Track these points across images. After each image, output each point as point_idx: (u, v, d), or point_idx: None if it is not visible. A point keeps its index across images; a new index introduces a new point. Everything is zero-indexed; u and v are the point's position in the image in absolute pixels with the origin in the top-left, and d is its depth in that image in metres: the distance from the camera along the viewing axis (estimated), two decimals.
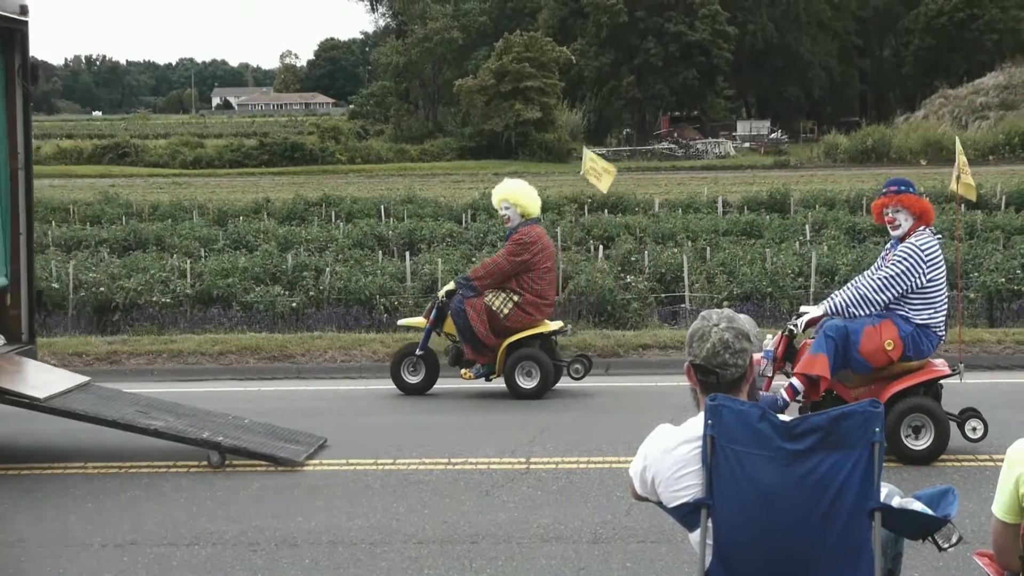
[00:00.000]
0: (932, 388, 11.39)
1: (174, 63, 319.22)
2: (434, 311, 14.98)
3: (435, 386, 15.08)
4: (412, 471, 11.31)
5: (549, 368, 14.71)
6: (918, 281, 10.91)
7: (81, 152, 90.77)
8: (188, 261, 23.95)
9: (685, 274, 21.45)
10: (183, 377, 16.63)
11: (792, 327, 11.28)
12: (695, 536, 4.98)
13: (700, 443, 4.90)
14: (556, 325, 15.23)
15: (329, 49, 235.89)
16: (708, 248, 25.14)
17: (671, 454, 5.04)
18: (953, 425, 11.27)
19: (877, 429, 4.76)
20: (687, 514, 5.01)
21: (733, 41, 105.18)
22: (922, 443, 11.18)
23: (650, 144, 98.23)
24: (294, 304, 20.97)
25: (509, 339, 14.66)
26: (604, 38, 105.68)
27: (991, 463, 10.86)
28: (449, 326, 14.87)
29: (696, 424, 4.99)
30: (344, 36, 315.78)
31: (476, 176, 74.37)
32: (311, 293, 21.32)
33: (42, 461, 11.88)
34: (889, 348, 10.86)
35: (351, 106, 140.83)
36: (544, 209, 36.47)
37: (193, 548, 9.22)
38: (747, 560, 4.87)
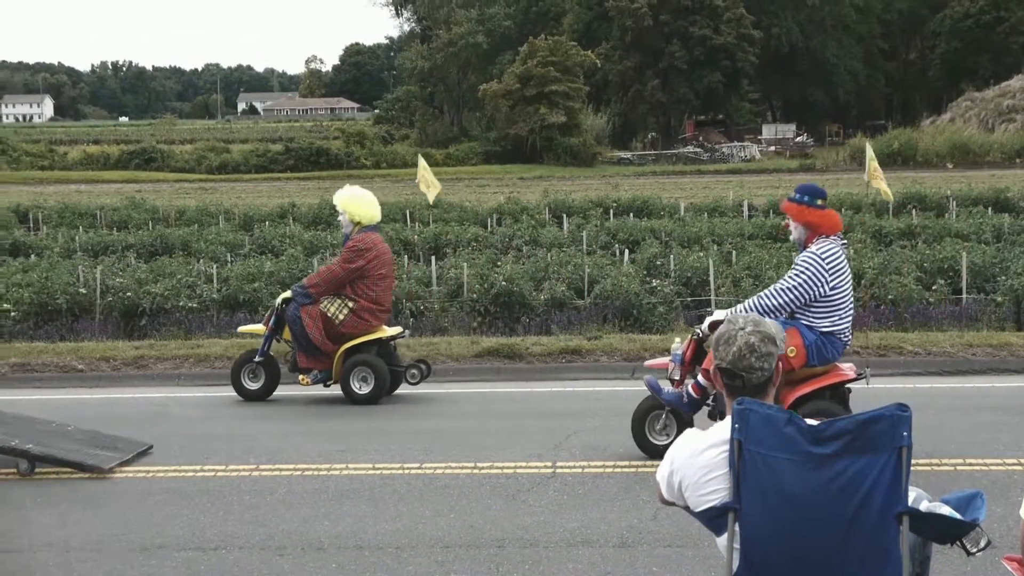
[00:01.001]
0: (838, 392, 11.45)
1: (200, 68, 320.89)
2: (273, 318, 15.23)
3: (448, 390, 15.11)
4: (438, 475, 11.31)
5: (384, 373, 14.86)
6: (821, 290, 11.01)
7: (108, 157, 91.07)
8: (215, 266, 23.98)
9: (711, 277, 21.39)
10: (210, 381, 16.62)
11: (699, 331, 11.35)
12: (722, 540, 4.98)
13: (727, 447, 4.90)
14: (394, 331, 15.47)
15: (354, 54, 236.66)
16: (734, 252, 25.06)
17: (698, 458, 5.04)
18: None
19: (905, 433, 4.75)
20: (714, 518, 5.00)
21: (758, 45, 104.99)
22: None
23: (675, 148, 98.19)
24: None
25: (345, 345, 14.87)
26: (629, 42, 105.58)
27: (1019, 467, 10.82)
28: (288, 332, 15.10)
29: (723, 428, 4.99)
30: (369, 41, 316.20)
31: (501, 180, 74.40)
32: None
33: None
34: (792, 355, 10.92)
35: (376, 111, 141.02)
36: (570, 213, 36.76)
37: (220, 552, 9.23)
38: (774, 564, 4.86)
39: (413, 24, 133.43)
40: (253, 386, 15.34)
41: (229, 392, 15.42)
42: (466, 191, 59.78)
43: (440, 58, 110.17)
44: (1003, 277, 20.81)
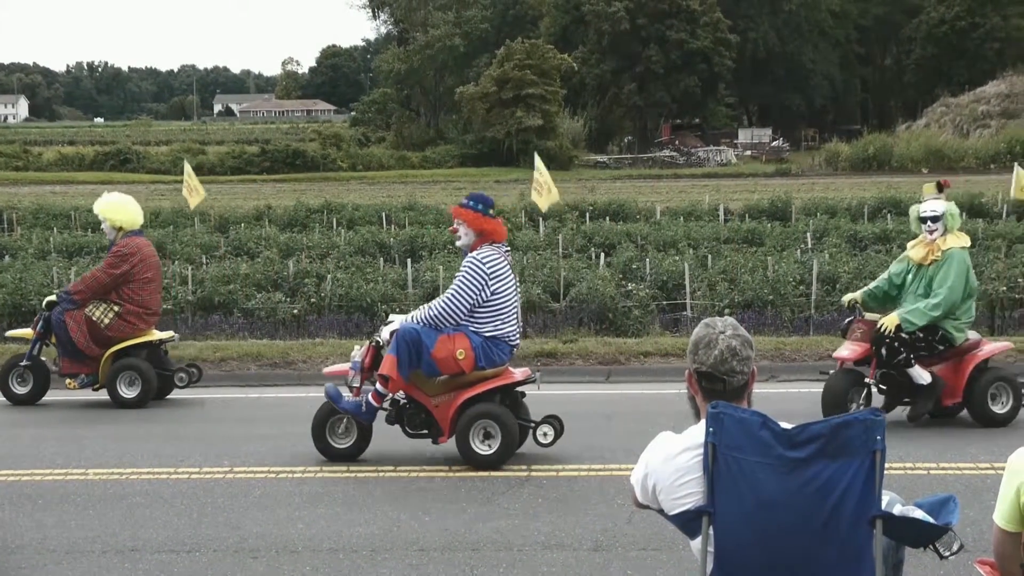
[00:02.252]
0: (510, 395, 11.85)
1: (176, 70, 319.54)
2: (40, 322, 15.21)
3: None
4: (413, 479, 11.31)
5: (151, 377, 14.89)
6: (482, 295, 11.29)
7: (83, 159, 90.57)
8: (190, 268, 23.90)
9: (687, 281, 21.42)
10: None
11: (378, 338, 11.57)
12: (696, 543, 4.99)
13: (701, 451, 4.91)
14: (165, 335, 15.59)
15: (331, 56, 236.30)
16: (709, 256, 25.09)
17: (672, 462, 5.06)
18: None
19: (879, 437, 4.78)
20: (688, 522, 5.02)
21: (735, 49, 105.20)
22: (490, 448, 11.55)
23: (651, 152, 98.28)
24: (295, 311, 20.99)
25: (112, 349, 14.88)
26: (605, 46, 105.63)
27: (992, 471, 10.85)
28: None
29: (697, 432, 5.00)
30: (346, 43, 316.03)
31: (478, 183, 74.17)
32: (312, 300, 21.29)
33: (43, 467, 11.85)
34: (461, 358, 11.25)
35: (352, 113, 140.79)
36: (546, 216, 36.71)
37: (194, 555, 9.21)
38: (748, 568, 4.88)
39: (390, 26, 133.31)
40: (21, 390, 15.28)
41: (194, 394, 15.40)
42: (442, 194, 59.65)
43: (417, 60, 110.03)
44: (977, 282, 20.87)
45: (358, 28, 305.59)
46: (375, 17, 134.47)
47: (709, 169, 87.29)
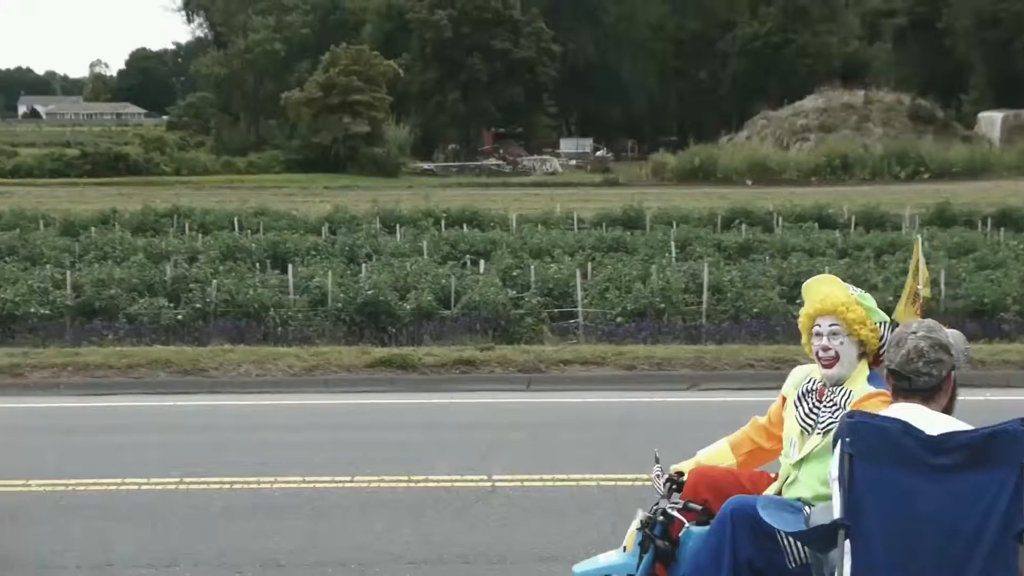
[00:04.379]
0: None
1: None
2: None
3: (345, 401, 14.88)
4: (374, 489, 11.01)
5: None
6: None
7: None
8: (67, 272, 23.15)
9: (578, 289, 21.41)
10: (91, 391, 15.97)
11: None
12: (832, 555, 4.89)
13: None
14: None
15: (141, 59, 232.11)
16: (590, 264, 25.15)
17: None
18: None
19: None
20: (821, 537, 4.91)
21: (558, 59, 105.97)
22: None
23: (477, 160, 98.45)
24: (180, 316, 20.45)
25: None
26: (429, 53, 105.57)
27: None
28: None
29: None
30: (156, 46, 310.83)
31: (307, 189, 73.58)
32: (198, 305, 20.76)
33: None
34: None
35: (166, 117, 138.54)
36: (402, 222, 36.59)
37: (173, 569, 8.83)
38: None
39: (206, 30, 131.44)
40: None
41: (102, 402, 14.90)
42: (273, 199, 58.80)
43: (236, 65, 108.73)
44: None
45: (169, 31, 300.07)
46: (190, 20, 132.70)
47: (536, 178, 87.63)
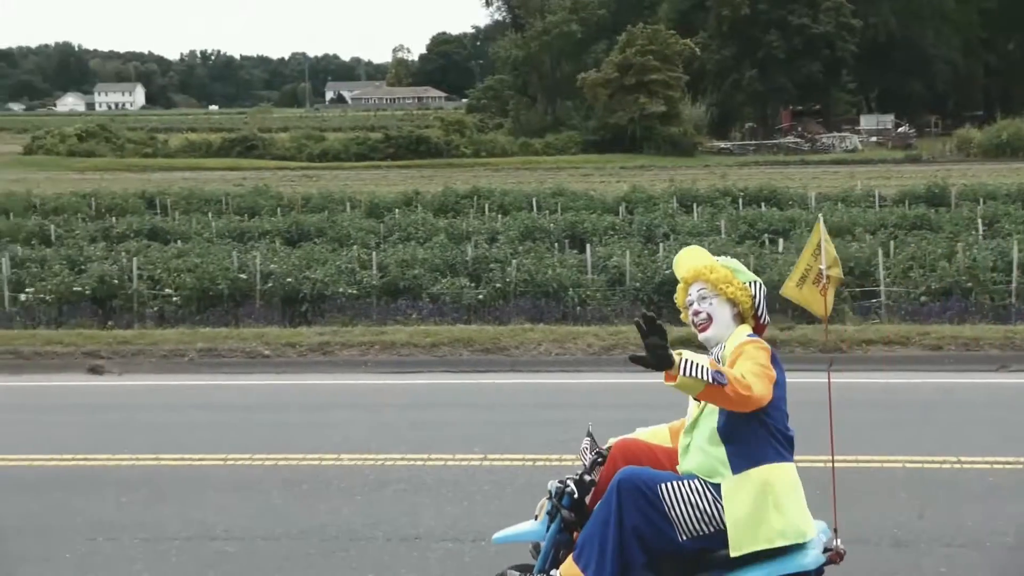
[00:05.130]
0: None
1: (286, 57, 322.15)
2: None
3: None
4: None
5: None
6: None
7: (210, 145, 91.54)
8: (372, 253, 23.84)
9: (880, 267, 20.93)
10: (396, 369, 16.42)
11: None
12: None
13: None
14: None
15: (441, 43, 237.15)
16: (892, 242, 24.54)
17: None
18: None
19: None
20: None
21: (857, 34, 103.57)
22: None
23: (774, 138, 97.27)
24: (480, 296, 20.84)
25: None
26: (726, 31, 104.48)
27: None
28: None
29: None
30: (456, 30, 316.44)
31: (603, 170, 74.02)
32: (498, 285, 21.11)
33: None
34: None
35: (466, 100, 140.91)
36: (699, 201, 36.45)
37: (479, 544, 8.93)
38: None
39: (504, 13, 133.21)
40: None
41: (407, 380, 15.26)
42: (571, 179, 59.33)
43: (534, 47, 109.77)
44: None
45: (468, 15, 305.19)
46: (489, 4, 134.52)
47: (836, 156, 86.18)
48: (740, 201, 37.42)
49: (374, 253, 23.70)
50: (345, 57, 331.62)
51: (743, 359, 5.89)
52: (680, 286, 6.46)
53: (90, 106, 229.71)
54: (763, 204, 36.57)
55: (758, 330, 6.34)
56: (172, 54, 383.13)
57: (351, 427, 12.77)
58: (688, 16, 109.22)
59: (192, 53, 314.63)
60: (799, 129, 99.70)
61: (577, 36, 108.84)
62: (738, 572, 5.91)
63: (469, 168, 76.83)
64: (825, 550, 5.99)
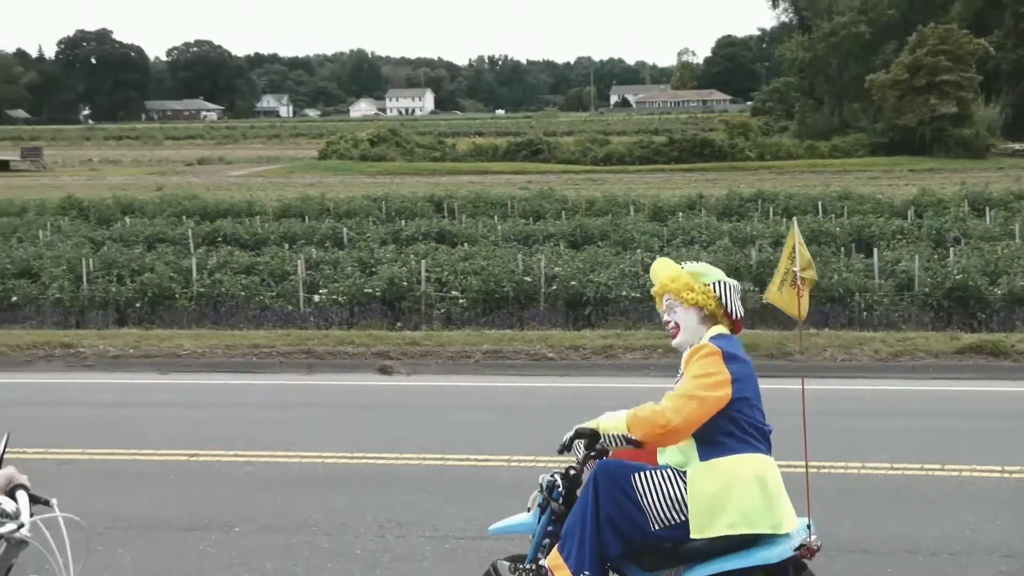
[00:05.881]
0: None
1: (572, 62, 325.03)
2: None
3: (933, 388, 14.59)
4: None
5: None
6: None
7: (496, 149, 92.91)
8: (656, 256, 23.92)
9: None
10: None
11: None
12: None
13: None
14: None
15: (726, 46, 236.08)
16: None
17: None
18: None
19: None
20: None
21: None
22: None
23: None
24: (765, 301, 20.69)
25: None
26: (1022, 29, 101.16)
27: None
28: None
29: None
30: (741, 33, 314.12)
31: (891, 172, 72.60)
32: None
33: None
34: None
35: (750, 103, 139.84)
36: (992, 205, 35.41)
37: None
38: None
39: (791, 15, 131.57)
40: None
41: None
42: (857, 183, 58.31)
43: (821, 48, 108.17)
44: None
45: (754, 17, 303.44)
46: (775, 6, 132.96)
47: None
48: None
49: (658, 257, 23.74)
50: (630, 61, 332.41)
51: (686, 375, 6.25)
52: (656, 299, 6.72)
53: (381, 111, 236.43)
54: None
55: (735, 326, 6.60)
56: (461, 60, 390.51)
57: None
58: (983, 15, 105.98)
59: (480, 59, 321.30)
60: None
61: (866, 37, 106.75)
62: (708, 563, 6.07)
63: (753, 171, 76.21)
64: (800, 546, 6.04)
